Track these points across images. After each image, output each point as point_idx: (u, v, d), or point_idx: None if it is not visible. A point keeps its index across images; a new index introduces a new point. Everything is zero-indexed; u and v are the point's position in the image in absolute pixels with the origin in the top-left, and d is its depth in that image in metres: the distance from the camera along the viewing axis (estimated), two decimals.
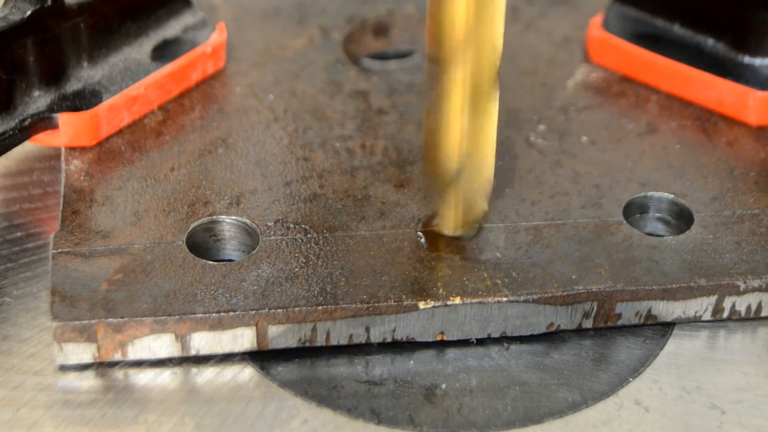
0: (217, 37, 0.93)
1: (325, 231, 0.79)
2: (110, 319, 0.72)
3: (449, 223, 0.77)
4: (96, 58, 0.87)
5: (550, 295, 0.75)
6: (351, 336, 0.75)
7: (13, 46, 0.81)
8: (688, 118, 0.90)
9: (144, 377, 0.73)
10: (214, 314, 0.73)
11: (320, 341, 0.75)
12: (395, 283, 0.75)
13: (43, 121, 0.83)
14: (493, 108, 0.74)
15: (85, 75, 0.86)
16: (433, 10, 0.71)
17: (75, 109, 0.84)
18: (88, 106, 0.85)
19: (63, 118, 0.84)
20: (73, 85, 0.85)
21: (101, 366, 0.74)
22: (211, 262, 0.76)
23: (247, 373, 0.74)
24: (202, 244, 0.79)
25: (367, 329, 0.74)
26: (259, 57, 0.95)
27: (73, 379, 0.73)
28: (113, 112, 0.86)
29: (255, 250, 0.77)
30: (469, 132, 0.74)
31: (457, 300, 0.74)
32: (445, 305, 0.74)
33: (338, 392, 0.73)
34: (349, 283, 0.75)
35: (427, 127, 0.76)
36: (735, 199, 0.82)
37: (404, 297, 0.74)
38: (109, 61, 0.88)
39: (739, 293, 0.77)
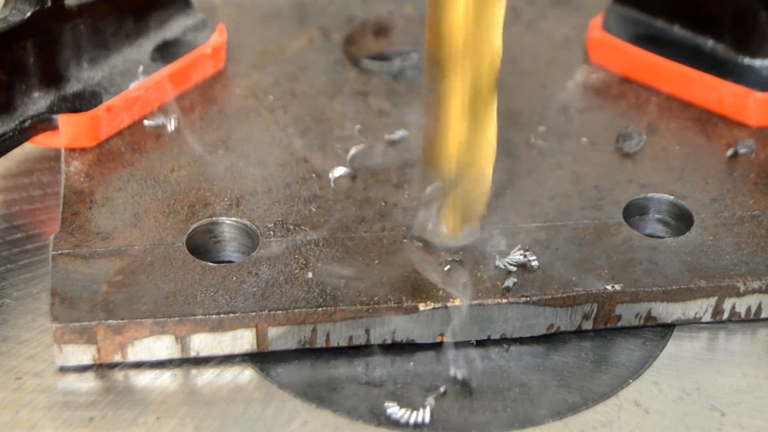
0: (217, 38, 0.93)
1: (324, 232, 0.79)
2: (110, 321, 0.72)
3: (448, 232, 0.77)
4: (96, 60, 0.87)
5: (549, 296, 0.75)
6: (351, 337, 0.75)
7: (12, 48, 0.81)
8: (688, 120, 0.90)
9: (144, 379, 0.73)
10: (213, 316, 0.73)
11: (320, 343, 0.75)
12: (395, 284, 0.75)
13: (42, 123, 0.83)
14: (491, 116, 0.74)
15: (84, 76, 0.86)
16: (431, 19, 0.71)
17: (75, 110, 0.84)
18: (88, 108, 0.85)
19: (63, 120, 0.84)
20: (72, 87, 0.85)
21: (101, 367, 0.74)
22: (211, 264, 0.76)
23: (246, 374, 0.74)
24: (202, 245, 0.79)
25: (367, 331, 0.74)
26: (259, 58, 0.95)
27: (73, 381, 0.73)
28: (113, 113, 0.86)
29: (255, 252, 0.77)
30: (467, 140, 0.74)
31: (457, 302, 0.74)
32: (445, 307, 0.74)
33: (338, 394, 0.73)
34: (349, 285, 0.75)
35: (425, 136, 0.76)
36: (735, 201, 0.82)
37: (404, 299, 0.74)
38: (109, 63, 0.88)
39: (739, 295, 0.77)
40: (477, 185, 0.76)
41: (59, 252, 0.76)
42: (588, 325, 0.76)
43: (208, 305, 0.73)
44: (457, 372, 0.73)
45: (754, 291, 0.77)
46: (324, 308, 0.73)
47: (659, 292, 0.76)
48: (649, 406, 0.73)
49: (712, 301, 0.77)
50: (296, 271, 0.76)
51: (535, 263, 0.76)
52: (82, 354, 0.73)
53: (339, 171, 0.83)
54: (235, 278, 0.75)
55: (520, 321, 0.75)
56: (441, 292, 0.74)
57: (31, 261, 0.80)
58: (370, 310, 0.74)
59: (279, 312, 0.73)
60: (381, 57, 0.99)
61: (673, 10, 0.93)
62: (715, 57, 0.91)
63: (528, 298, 0.75)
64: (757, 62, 0.90)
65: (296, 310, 0.73)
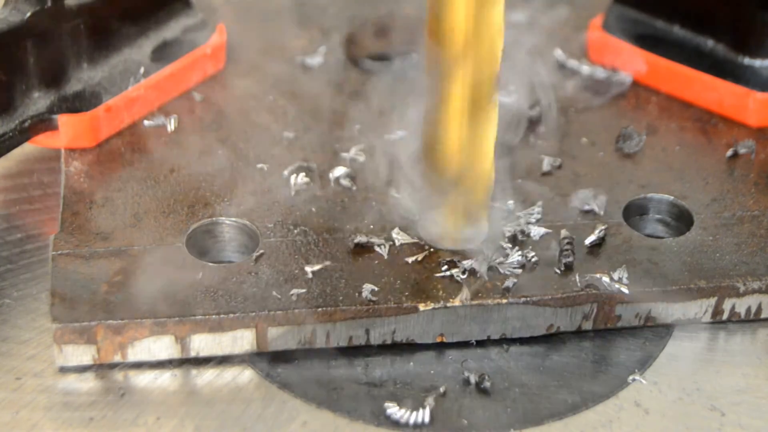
0: (217, 38, 0.93)
1: (324, 233, 0.79)
2: (110, 321, 0.72)
3: (447, 232, 0.77)
4: (96, 60, 0.87)
5: (549, 297, 0.75)
6: (351, 338, 0.75)
7: (12, 48, 0.81)
8: (688, 120, 0.90)
9: (144, 379, 0.73)
10: (213, 316, 0.73)
11: (320, 343, 0.75)
12: (395, 284, 0.75)
13: (43, 123, 0.83)
14: (492, 116, 0.74)
15: (84, 76, 0.86)
16: (431, 19, 0.71)
17: (75, 110, 0.84)
18: (88, 108, 0.85)
19: (63, 120, 0.84)
20: (72, 87, 0.85)
21: (101, 368, 0.74)
22: (211, 264, 0.76)
23: (246, 374, 0.74)
24: (201, 245, 0.79)
25: (367, 331, 0.74)
26: (259, 58, 0.95)
27: (73, 381, 0.73)
28: (113, 113, 0.86)
29: (255, 252, 0.77)
30: (468, 141, 0.74)
31: (457, 302, 0.74)
32: (445, 307, 0.74)
33: (338, 394, 0.73)
34: (349, 285, 0.75)
35: (425, 136, 0.76)
36: (735, 201, 0.82)
37: (404, 299, 0.74)
38: (109, 63, 0.88)
39: (738, 295, 0.77)
40: (477, 186, 0.76)
41: (59, 252, 0.76)
42: (588, 325, 0.76)
43: (208, 305, 0.73)
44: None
45: (754, 291, 0.77)
46: (324, 308, 0.73)
47: (659, 292, 0.76)
48: (649, 406, 0.73)
49: (712, 301, 0.77)
50: (296, 271, 0.76)
51: (535, 264, 0.76)
52: (82, 354, 0.73)
53: (339, 171, 0.83)
54: (235, 278, 0.75)
55: (520, 321, 0.75)
56: (441, 292, 0.74)
57: (31, 261, 0.80)
58: (369, 310, 0.74)
59: (279, 312, 0.73)
60: (381, 57, 0.99)
61: (673, 10, 0.93)
62: (715, 57, 0.91)
63: (528, 298, 0.75)
64: (757, 62, 0.90)
65: (296, 310, 0.73)
